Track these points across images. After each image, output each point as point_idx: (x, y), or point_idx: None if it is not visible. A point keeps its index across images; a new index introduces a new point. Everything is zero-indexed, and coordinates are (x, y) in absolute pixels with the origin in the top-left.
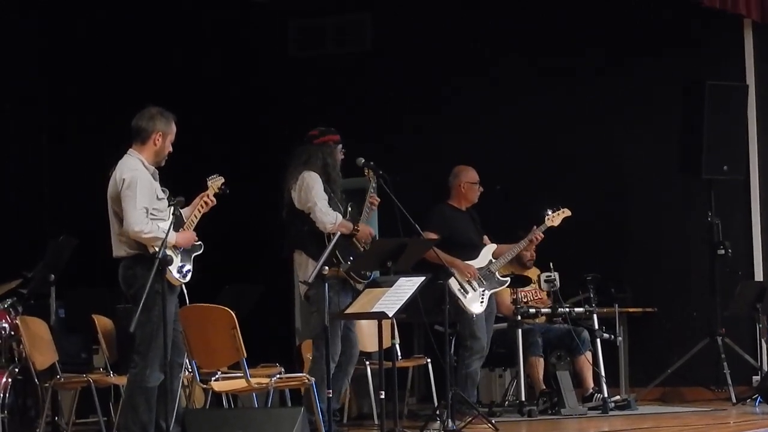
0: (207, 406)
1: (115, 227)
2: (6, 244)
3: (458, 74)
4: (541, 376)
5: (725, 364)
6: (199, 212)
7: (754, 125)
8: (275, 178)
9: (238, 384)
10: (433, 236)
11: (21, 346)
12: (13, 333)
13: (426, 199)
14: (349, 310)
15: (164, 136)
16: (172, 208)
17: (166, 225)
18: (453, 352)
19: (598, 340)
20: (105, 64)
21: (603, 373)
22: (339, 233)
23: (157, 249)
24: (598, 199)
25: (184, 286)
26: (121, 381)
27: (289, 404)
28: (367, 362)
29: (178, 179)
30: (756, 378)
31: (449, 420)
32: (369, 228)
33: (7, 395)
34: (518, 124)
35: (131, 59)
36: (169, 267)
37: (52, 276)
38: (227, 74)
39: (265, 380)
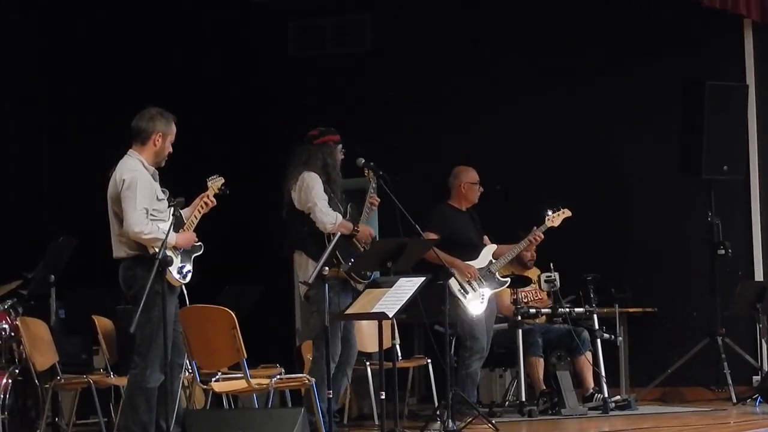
0: (207, 407)
1: (115, 228)
2: (6, 244)
3: (458, 74)
4: (541, 377)
5: (725, 364)
6: (199, 213)
7: (754, 125)
8: (275, 178)
9: (239, 385)
10: (433, 236)
11: (21, 347)
12: (13, 334)
13: (426, 199)
14: (349, 311)
15: (164, 136)
16: (172, 208)
17: (166, 226)
18: (453, 353)
19: (599, 340)
20: (105, 64)
21: (603, 373)
22: (339, 234)
23: (157, 250)
24: (598, 199)
25: (184, 286)
26: (122, 382)
27: (290, 405)
28: (368, 363)
29: (178, 179)
30: (756, 378)
31: (449, 420)
32: (369, 228)
33: (8, 396)
34: (518, 124)
35: (131, 59)
36: (169, 268)
37: (52, 277)
38: (227, 74)
39: (266, 381)
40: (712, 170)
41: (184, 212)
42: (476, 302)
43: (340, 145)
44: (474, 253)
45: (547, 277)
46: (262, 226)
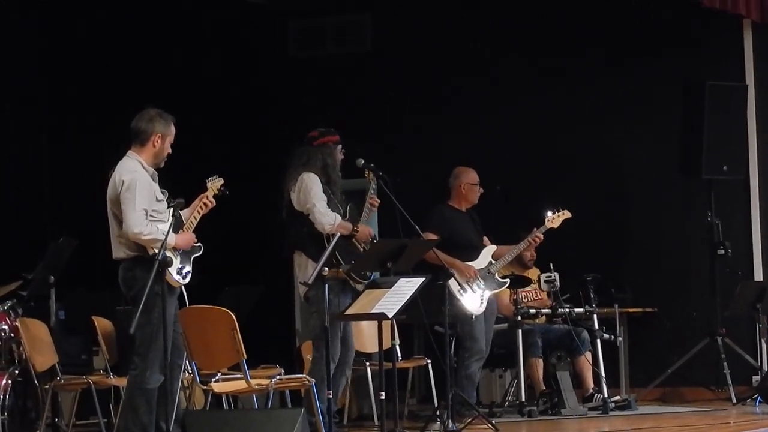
0: (207, 408)
1: (114, 229)
2: (6, 244)
3: (458, 74)
4: (541, 377)
5: (725, 364)
6: (199, 214)
7: (754, 125)
8: (275, 178)
9: (239, 385)
10: (433, 237)
11: (21, 348)
12: (13, 335)
13: (426, 199)
14: (349, 311)
15: (163, 137)
16: (172, 209)
17: (165, 227)
18: (453, 353)
19: (598, 341)
20: (105, 64)
21: (603, 374)
22: (339, 234)
23: (156, 251)
24: (598, 199)
25: (183, 287)
26: (121, 382)
27: (290, 405)
28: (367, 363)
29: (177, 180)
30: (756, 378)
31: (449, 421)
32: (369, 228)
33: (7, 397)
34: (518, 124)
35: (131, 59)
36: (169, 269)
37: (52, 278)
38: (227, 74)
39: (266, 381)
40: (712, 170)
41: (184, 213)
42: (476, 303)
43: (340, 146)
44: (474, 253)
45: (547, 277)
46: (262, 227)
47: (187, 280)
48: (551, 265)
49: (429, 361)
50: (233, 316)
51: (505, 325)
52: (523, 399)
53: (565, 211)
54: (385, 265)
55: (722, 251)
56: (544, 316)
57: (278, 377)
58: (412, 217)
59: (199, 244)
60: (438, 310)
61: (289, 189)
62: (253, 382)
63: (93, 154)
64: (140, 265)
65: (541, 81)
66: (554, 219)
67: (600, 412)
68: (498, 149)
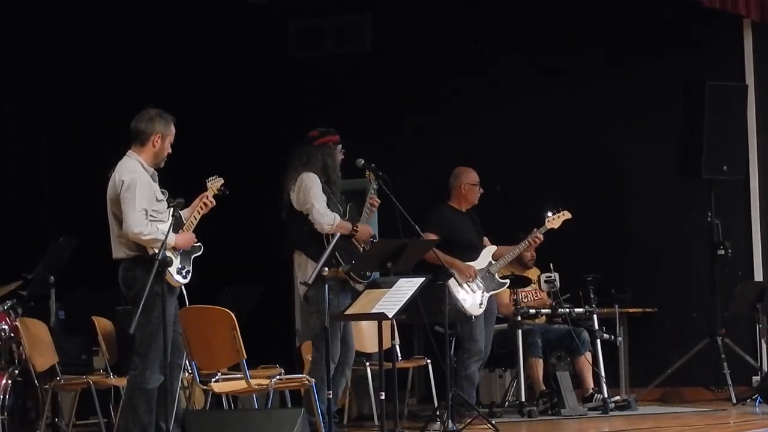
0: (207, 408)
1: (114, 229)
2: (6, 244)
3: (458, 74)
4: (541, 377)
5: (725, 364)
6: (199, 213)
7: (754, 125)
8: (275, 178)
9: (238, 385)
10: (433, 237)
11: (21, 348)
12: (13, 335)
13: (426, 199)
14: (349, 311)
15: (163, 137)
16: (172, 209)
17: (165, 227)
18: (453, 353)
19: (598, 341)
20: (105, 64)
21: (603, 374)
22: (338, 234)
23: (156, 251)
24: (598, 199)
25: (183, 287)
26: (121, 382)
27: (290, 405)
28: (367, 363)
29: (177, 180)
30: (756, 378)
31: (449, 421)
32: (368, 228)
33: (7, 397)
34: (518, 124)
35: (131, 59)
36: (169, 269)
37: (52, 277)
38: (227, 74)
39: (265, 381)
40: (712, 170)
41: (184, 213)
42: (475, 303)
43: (340, 146)
44: (474, 254)
45: (547, 277)
46: (262, 226)
47: (187, 280)
48: (551, 265)
49: (429, 361)
50: (233, 316)
51: (505, 325)
52: (523, 399)
53: (565, 212)
54: (385, 265)
55: (722, 251)
56: (544, 316)
57: (278, 377)
58: (412, 217)
59: (199, 244)
60: (438, 310)
61: (288, 189)
62: (253, 382)
63: (93, 154)
64: (140, 265)
65: (541, 81)
66: (554, 219)
67: (600, 412)
68: (498, 149)
